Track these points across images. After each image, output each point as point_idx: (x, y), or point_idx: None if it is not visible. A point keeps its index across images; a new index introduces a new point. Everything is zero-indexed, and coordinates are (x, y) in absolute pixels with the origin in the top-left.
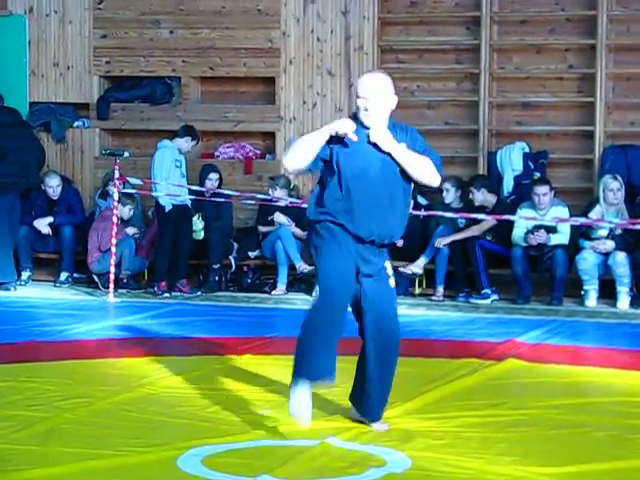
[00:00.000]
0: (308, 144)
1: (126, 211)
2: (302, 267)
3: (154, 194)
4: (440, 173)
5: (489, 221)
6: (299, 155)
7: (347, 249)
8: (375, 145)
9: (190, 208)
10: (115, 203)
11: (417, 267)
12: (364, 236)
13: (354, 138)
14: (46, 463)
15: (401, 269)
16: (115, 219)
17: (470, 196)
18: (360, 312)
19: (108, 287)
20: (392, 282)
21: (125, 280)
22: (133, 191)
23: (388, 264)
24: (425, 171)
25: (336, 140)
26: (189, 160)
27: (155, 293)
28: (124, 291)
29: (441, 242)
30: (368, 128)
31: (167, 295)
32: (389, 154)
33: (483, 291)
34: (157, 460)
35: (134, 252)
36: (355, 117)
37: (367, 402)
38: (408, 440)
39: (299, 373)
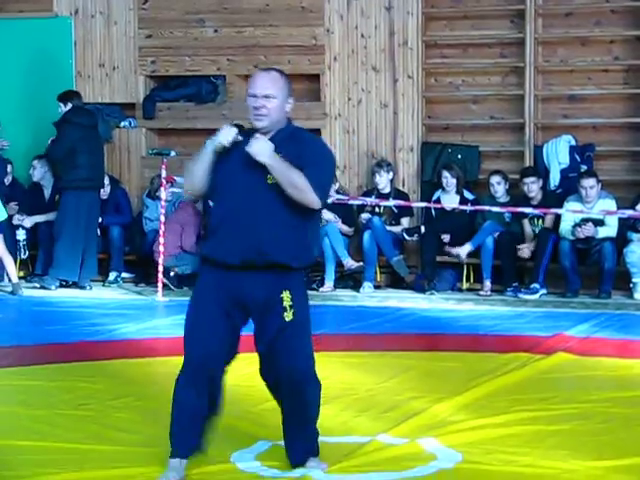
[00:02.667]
0: (195, 166)
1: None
2: (349, 264)
3: None
4: (319, 195)
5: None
6: (191, 179)
7: (216, 288)
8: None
9: None
10: (163, 203)
11: (462, 250)
12: (229, 260)
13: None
14: (98, 462)
15: (447, 248)
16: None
17: (525, 188)
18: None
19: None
20: (289, 315)
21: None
22: (180, 190)
23: (286, 294)
24: (297, 189)
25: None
26: None
27: None
28: (173, 289)
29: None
30: (255, 132)
31: None
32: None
33: (532, 285)
34: (211, 456)
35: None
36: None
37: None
38: (458, 435)
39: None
